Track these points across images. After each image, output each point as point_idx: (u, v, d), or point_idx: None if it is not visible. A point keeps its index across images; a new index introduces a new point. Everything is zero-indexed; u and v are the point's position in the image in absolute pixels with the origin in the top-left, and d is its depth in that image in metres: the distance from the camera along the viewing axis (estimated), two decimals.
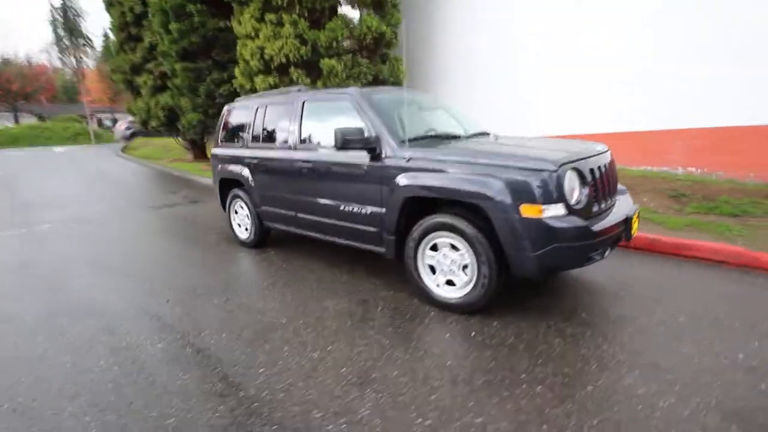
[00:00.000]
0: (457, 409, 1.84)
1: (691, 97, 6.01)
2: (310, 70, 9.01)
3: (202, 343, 2.54)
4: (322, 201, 3.48)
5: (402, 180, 2.82)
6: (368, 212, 3.12)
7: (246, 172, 4.25)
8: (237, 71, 9.32)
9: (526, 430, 1.71)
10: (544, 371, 2.10)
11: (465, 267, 2.68)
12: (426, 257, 2.86)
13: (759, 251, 3.38)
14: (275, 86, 8.78)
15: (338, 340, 2.51)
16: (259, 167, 4.10)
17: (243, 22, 8.82)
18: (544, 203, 2.29)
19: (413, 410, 1.85)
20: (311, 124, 3.65)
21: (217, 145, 4.86)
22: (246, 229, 4.59)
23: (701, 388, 1.92)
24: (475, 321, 2.65)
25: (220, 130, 4.80)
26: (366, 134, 2.99)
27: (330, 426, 1.79)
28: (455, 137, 3.30)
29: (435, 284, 2.85)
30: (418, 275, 2.91)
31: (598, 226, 2.39)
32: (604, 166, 2.72)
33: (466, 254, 2.63)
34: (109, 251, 4.64)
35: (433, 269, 2.86)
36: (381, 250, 3.16)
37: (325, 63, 8.43)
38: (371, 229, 3.15)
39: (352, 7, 9.15)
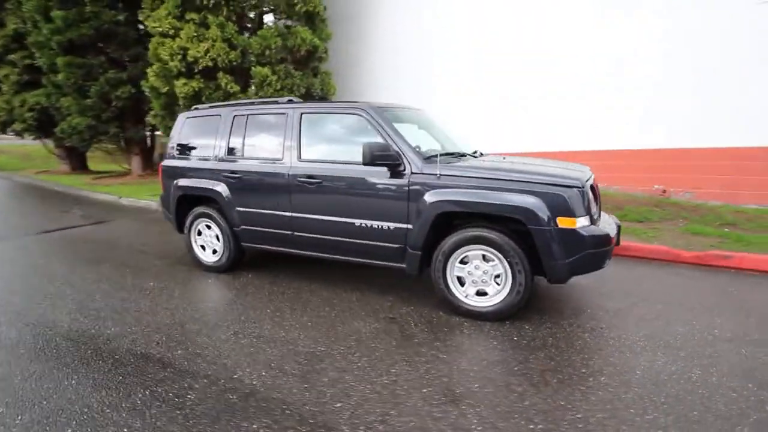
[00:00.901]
0: (557, 410, 1.98)
1: (580, 126, 7.39)
2: (238, 76, 8.43)
3: (245, 386, 2.21)
4: (332, 218, 3.33)
5: (434, 196, 2.90)
6: (391, 228, 3.11)
7: (221, 187, 3.81)
8: (150, 72, 8.22)
9: (619, 415, 1.94)
10: (596, 363, 2.39)
11: (497, 277, 2.86)
12: (455, 270, 2.97)
13: (678, 249, 4.31)
14: (199, 91, 8.00)
15: (395, 361, 2.44)
16: (241, 182, 3.72)
17: (158, 19, 7.85)
18: (576, 216, 2.62)
19: (518, 417, 1.93)
20: (313, 137, 3.48)
21: (170, 158, 4.26)
22: (214, 252, 4.09)
23: (704, 357, 2.40)
24: (509, 327, 2.84)
25: (176, 141, 4.22)
26: (391, 150, 2.99)
27: None
28: (462, 155, 3.50)
29: (464, 295, 2.98)
30: (447, 288, 2.99)
31: (611, 234, 2.81)
32: (594, 182, 3.21)
33: (499, 265, 2.82)
34: (29, 290, 3.68)
35: (461, 281, 2.98)
36: (401, 266, 3.17)
37: (258, 71, 8.00)
38: (393, 245, 3.14)
39: (281, 18, 8.85)
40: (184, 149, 4.22)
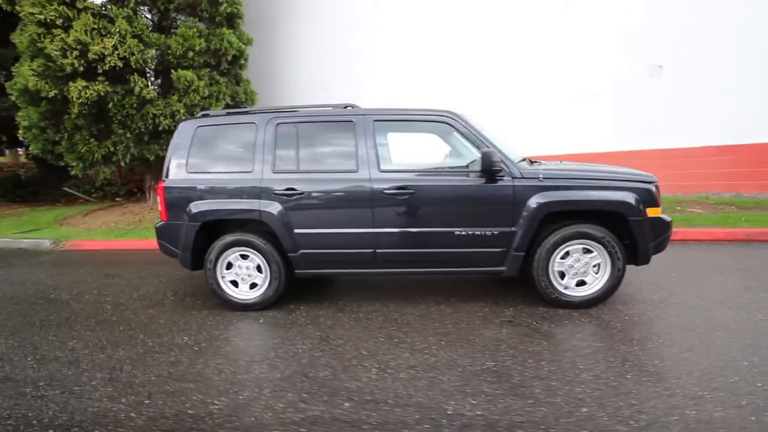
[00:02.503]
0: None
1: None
2: (154, 80, 7.05)
3: (472, 418, 1.98)
4: (428, 230, 3.17)
5: (540, 198, 3.06)
6: (495, 233, 3.14)
7: (273, 208, 3.22)
8: (26, 70, 6.20)
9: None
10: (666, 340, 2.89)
11: (594, 267, 3.19)
12: (556, 264, 3.18)
13: None
14: (105, 96, 6.42)
15: (557, 367, 2.42)
16: (302, 200, 3.21)
17: (39, 4, 6.05)
18: (659, 206, 3.13)
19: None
20: (391, 146, 3.26)
21: (175, 176, 3.39)
22: (252, 286, 3.41)
23: (726, 327, 3.05)
24: (599, 312, 3.18)
25: (185, 155, 3.39)
26: (495, 158, 3.04)
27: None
28: (532, 161, 3.70)
29: (564, 288, 3.21)
30: (549, 282, 3.18)
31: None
32: None
33: (598, 255, 3.15)
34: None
35: (561, 275, 3.21)
36: (501, 269, 3.22)
37: (182, 75, 6.92)
38: (495, 249, 3.17)
39: (200, 18, 7.78)
40: (200, 165, 3.40)
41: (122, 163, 7.26)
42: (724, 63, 7.23)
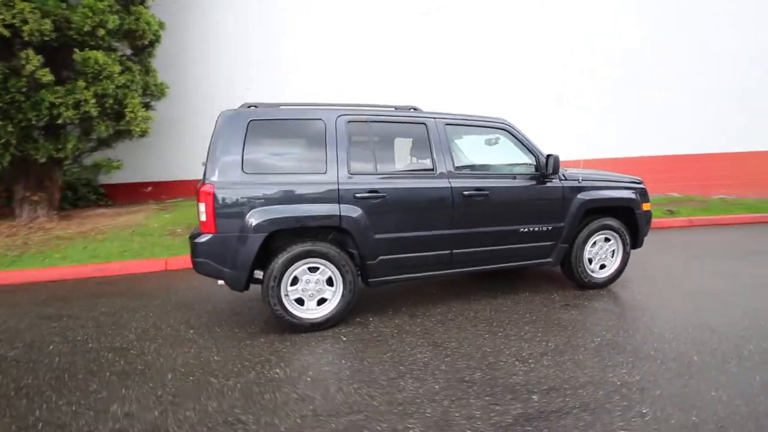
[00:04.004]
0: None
1: None
2: (50, 57, 5.40)
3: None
4: (499, 228, 3.38)
5: (584, 196, 3.61)
6: (549, 229, 3.54)
7: (356, 212, 2.96)
8: None
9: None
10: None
11: (612, 252, 3.88)
12: (587, 252, 3.77)
13: None
14: None
15: (642, 330, 3.01)
16: (385, 203, 3.04)
17: None
18: (648, 201, 4.01)
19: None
20: (459, 149, 3.35)
21: (222, 176, 2.82)
22: (320, 302, 3.05)
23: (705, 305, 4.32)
24: (615, 287, 3.92)
25: (235, 154, 2.85)
26: (558, 162, 3.44)
27: None
28: None
29: (591, 271, 3.82)
30: (584, 268, 3.75)
31: None
32: None
33: (614, 242, 3.86)
34: None
35: (590, 261, 3.82)
36: (548, 260, 3.66)
37: (91, 56, 5.62)
38: (547, 243, 3.58)
39: None
40: (258, 164, 2.88)
41: None
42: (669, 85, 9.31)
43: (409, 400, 2.19)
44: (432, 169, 3.24)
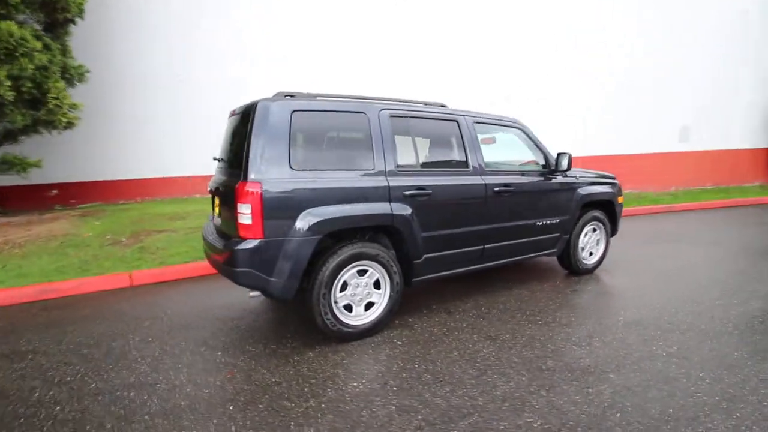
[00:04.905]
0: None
1: None
2: None
3: None
4: (522, 223, 3.55)
5: (582, 191, 3.97)
6: (557, 221, 3.82)
7: (406, 210, 2.84)
8: None
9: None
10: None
11: (597, 240, 4.34)
12: (580, 242, 4.16)
13: None
14: None
15: (654, 302, 3.45)
16: (430, 201, 2.98)
17: None
18: (622, 195, 4.55)
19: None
20: (483, 147, 3.42)
21: (268, 172, 2.50)
22: (368, 307, 2.89)
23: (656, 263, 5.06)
24: (598, 276, 4.40)
25: (283, 146, 2.54)
26: (570, 159, 3.71)
27: None
28: None
29: (583, 259, 4.23)
30: (579, 256, 4.13)
31: None
32: None
33: (599, 232, 4.31)
34: None
35: (582, 249, 4.22)
36: (554, 250, 3.96)
37: (4, 27, 4.54)
38: (555, 235, 3.86)
39: None
40: (307, 160, 2.59)
41: None
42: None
43: (509, 395, 2.20)
44: (466, 166, 3.27)
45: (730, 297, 3.55)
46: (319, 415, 2.04)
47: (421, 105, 3.29)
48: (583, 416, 2.01)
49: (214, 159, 3.26)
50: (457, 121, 3.30)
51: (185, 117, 8.21)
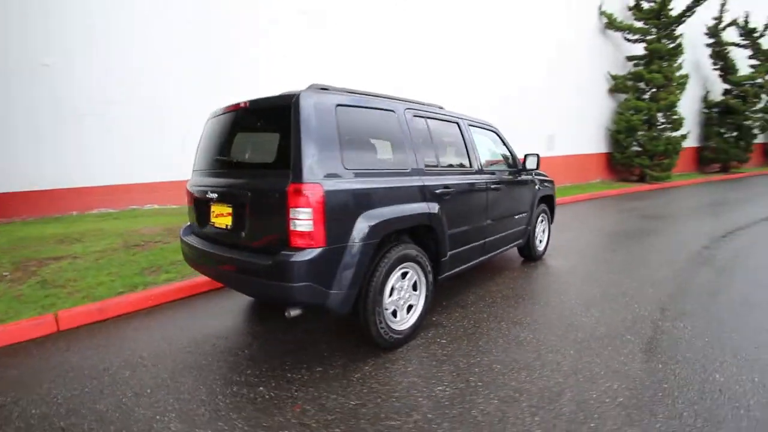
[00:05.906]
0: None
1: None
2: None
3: None
4: (511, 217, 3.95)
5: (539, 186, 4.54)
6: (525, 215, 4.29)
7: (437, 209, 2.85)
8: None
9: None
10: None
11: (544, 230, 4.99)
12: (537, 232, 4.74)
13: None
14: None
15: (618, 276, 4.14)
16: (452, 199, 3.04)
17: None
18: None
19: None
20: (475, 146, 3.63)
21: (321, 172, 2.26)
22: (409, 309, 2.81)
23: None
24: (547, 261, 5.09)
25: (335, 144, 2.33)
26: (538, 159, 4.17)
27: None
28: None
29: (537, 247, 4.82)
30: (535, 244, 4.70)
31: None
32: None
33: (544, 222, 4.98)
34: None
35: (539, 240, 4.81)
36: (521, 242, 4.42)
37: None
38: (523, 227, 4.33)
39: None
40: (355, 159, 2.37)
41: None
42: None
43: (574, 368, 2.41)
44: (470, 165, 3.44)
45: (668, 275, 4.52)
46: (434, 426, 1.92)
47: (426, 105, 3.34)
48: (640, 372, 2.34)
49: (215, 159, 2.73)
50: (458, 123, 3.46)
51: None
